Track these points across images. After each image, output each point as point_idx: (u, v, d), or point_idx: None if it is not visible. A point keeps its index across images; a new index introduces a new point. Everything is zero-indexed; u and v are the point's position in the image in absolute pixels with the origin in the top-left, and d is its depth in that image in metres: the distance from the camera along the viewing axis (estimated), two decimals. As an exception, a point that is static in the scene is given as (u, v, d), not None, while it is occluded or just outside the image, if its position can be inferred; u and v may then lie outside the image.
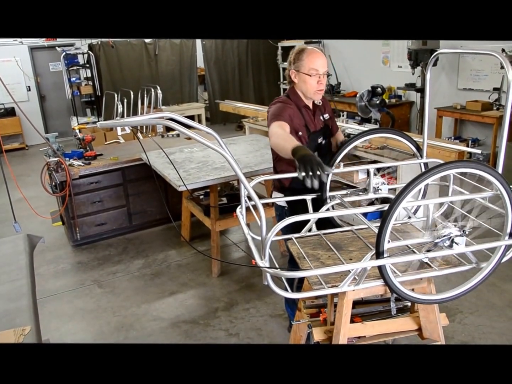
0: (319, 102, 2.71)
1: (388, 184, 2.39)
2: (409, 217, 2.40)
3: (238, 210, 2.26)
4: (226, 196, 4.47)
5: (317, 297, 2.46)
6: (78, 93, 9.98)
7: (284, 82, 10.40)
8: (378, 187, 2.35)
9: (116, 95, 8.20)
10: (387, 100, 6.37)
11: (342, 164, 2.40)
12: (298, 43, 9.88)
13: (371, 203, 2.53)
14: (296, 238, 2.30)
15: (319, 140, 2.67)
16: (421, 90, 6.84)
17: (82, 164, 4.62)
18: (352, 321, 2.14)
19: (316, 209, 2.40)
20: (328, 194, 2.43)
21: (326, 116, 2.75)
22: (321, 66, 2.49)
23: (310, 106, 2.68)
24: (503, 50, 5.89)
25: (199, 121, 9.53)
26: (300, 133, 2.58)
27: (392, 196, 2.23)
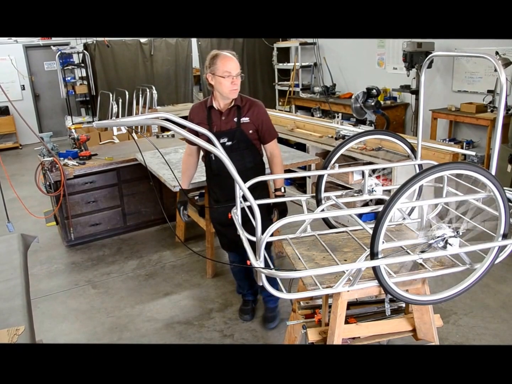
0: (243, 104, 2.89)
1: (382, 185, 2.40)
2: (404, 218, 2.41)
3: (233, 211, 2.26)
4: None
5: (312, 298, 2.46)
6: (73, 93, 9.95)
7: (280, 83, 10.42)
8: (372, 188, 2.35)
9: (111, 95, 8.18)
10: (382, 102, 6.40)
11: (337, 165, 2.41)
12: (293, 44, 9.93)
13: (366, 204, 2.54)
14: (291, 238, 2.31)
15: (222, 141, 2.84)
16: (416, 92, 6.87)
17: (77, 164, 4.60)
18: (346, 322, 2.15)
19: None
20: (323, 195, 2.44)
21: (245, 119, 2.88)
22: (233, 68, 2.74)
23: (220, 106, 2.89)
24: (496, 53, 5.92)
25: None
26: (200, 133, 2.85)
27: (387, 198, 2.24)
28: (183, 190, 3.19)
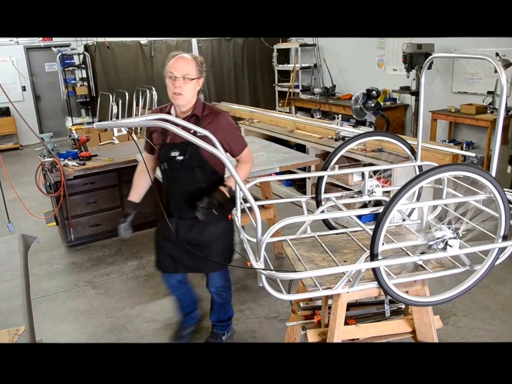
0: (204, 115, 2.58)
1: (382, 186, 2.40)
2: (404, 220, 2.41)
3: (233, 212, 2.26)
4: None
5: (311, 299, 2.46)
6: (73, 94, 9.96)
7: (280, 84, 10.42)
8: (372, 189, 2.35)
9: (111, 96, 8.19)
10: (382, 103, 6.41)
11: (337, 166, 2.41)
12: (293, 45, 9.95)
13: (366, 205, 2.54)
14: (290, 240, 2.31)
15: (173, 154, 2.57)
16: (416, 93, 6.88)
17: (77, 164, 4.61)
18: (346, 323, 2.15)
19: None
20: (323, 196, 2.44)
21: (204, 132, 2.49)
22: (177, 69, 2.45)
23: (177, 114, 2.61)
24: (497, 54, 5.93)
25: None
26: (153, 140, 2.65)
27: (387, 199, 2.24)
28: (130, 202, 2.84)
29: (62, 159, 4.64)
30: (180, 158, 2.56)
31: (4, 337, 1.78)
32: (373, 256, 1.75)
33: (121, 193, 4.88)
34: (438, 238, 1.82)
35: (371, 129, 5.00)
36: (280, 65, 10.33)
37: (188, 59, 2.49)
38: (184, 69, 2.45)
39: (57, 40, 9.86)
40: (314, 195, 2.47)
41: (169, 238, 2.76)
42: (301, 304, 2.46)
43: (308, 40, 9.63)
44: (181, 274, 2.97)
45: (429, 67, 6.21)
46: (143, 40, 9.63)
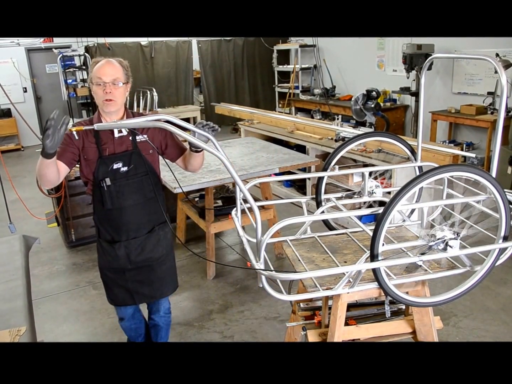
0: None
1: (382, 187, 2.40)
2: (404, 220, 2.41)
3: (233, 212, 2.26)
4: (221, 199, 4.48)
5: (311, 300, 2.46)
6: (74, 95, 9.97)
7: (280, 85, 10.43)
8: (372, 190, 2.36)
9: (111, 97, 8.18)
10: (382, 104, 6.41)
11: (337, 167, 2.42)
12: (293, 46, 9.96)
13: (371, 206, 2.54)
14: (291, 240, 2.31)
15: (116, 166, 2.38)
16: (416, 94, 6.88)
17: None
18: (346, 324, 2.15)
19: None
20: (323, 196, 2.45)
21: (143, 137, 2.40)
22: (105, 74, 2.28)
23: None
24: (497, 55, 5.93)
25: (195, 124, 9.52)
26: (85, 156, 2.43)
27: (387, 200, 2.24)
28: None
29: (63, 160, 4.64)
30: (125, 169, 2.40)
31: (6, 337, 1.78)
32: (373, 257, 1.75)
33: (121, 194, 4.88)
34: (439, 239, 1.82)
35: (371, 130, 5.00)
36: (280, 66, 10.34)
37: (115, 63, 2.35)
38: (113, 74, 2.31)
39: (57, 42, 9.88)
40: (314, 196, 2.47)
41: (118, 270, 2.56)
42: (301, 305, 2.46)
43: (308, 41, 9.64)
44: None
45: (429, 68, 6.22)
46: (144, 41, 9.65)
